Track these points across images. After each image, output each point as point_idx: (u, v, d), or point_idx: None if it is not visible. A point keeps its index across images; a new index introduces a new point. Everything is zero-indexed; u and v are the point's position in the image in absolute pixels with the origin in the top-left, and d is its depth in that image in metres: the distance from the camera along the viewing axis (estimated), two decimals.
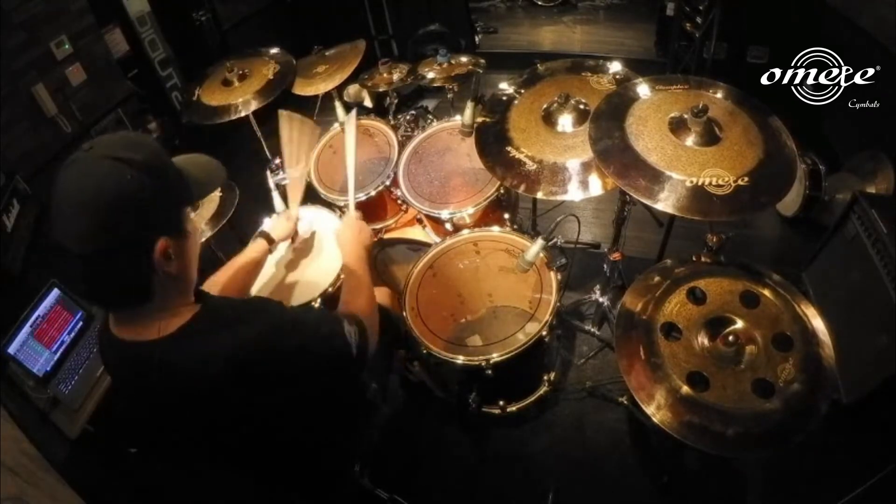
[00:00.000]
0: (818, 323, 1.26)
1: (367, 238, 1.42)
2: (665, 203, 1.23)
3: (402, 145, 2.10)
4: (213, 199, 2.18)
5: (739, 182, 1.22)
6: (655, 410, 1.19)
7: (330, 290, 1.76)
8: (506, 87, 1.78)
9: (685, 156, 1.29)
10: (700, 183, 1.23)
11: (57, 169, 0.76)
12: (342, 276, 1.22)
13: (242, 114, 2.01)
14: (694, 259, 1.47)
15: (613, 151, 1.34)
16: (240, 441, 0.96)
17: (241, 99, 2.02)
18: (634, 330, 1.32)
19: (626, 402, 1.90)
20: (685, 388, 1.20)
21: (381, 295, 1.76)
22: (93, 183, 0.74)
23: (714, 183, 1.23)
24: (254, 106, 2.01)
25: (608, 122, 1.41)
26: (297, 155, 1.71)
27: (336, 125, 2.22)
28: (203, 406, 0.87)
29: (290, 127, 1.70)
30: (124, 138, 0.82)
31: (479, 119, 1.75)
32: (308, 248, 1.95)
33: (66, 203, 0.74)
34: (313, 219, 1.99)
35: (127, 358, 0.86)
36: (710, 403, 1.17)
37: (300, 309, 1.06)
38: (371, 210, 2.14)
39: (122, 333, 0.85)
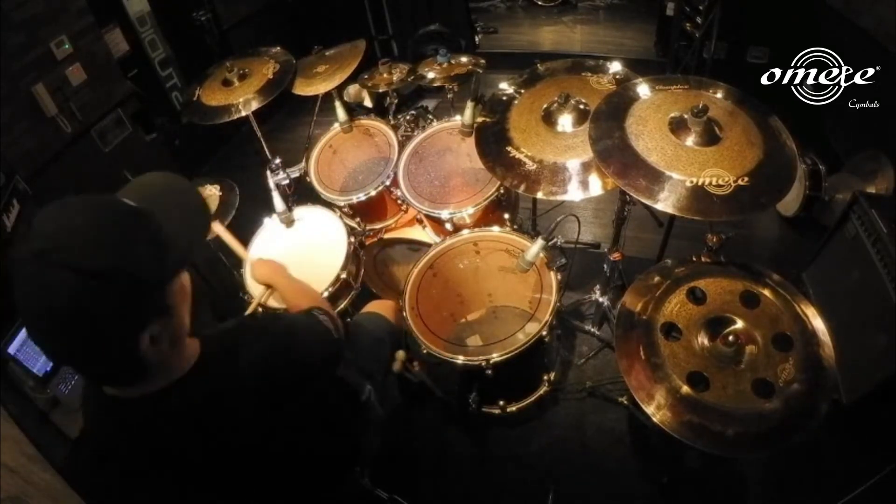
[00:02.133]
0: (818, 323, 1.26)
1: (275, 263, 1.39)
2: (665, 203, 1.23)
3: (402, 145, 2.10)
4: (214, 198, 2.18)
5: (739, 182, 1.22)
6: (655, 410, 1.19)
7: (326, 293, 1.76)
8: (506, 87, 1.78)
9: (685, 156, 1.29)
10: (700, 183, 1.23)
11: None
12: (274, 294, 1.31)
13: (243, 114, 2.01)
14: (694, 259, 1.47)
15: (613, 151, 1.34)
16: (248, 462, 0.94)
17: (241, 99, 2.02)
18: (634, 330, 1.32)
19: (626, 402, 1.90)
20: (685, 388, 1.20)
21: (385, 308, 1.77)
22: (53, 307, 0.63)
23: (714, 183, 1.23)
24: (254, 105, 2.01)
25: (608, 122, 1.41)
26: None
27: (336, 125, 2.22)
28: (225, 436, 0.85)
29: None
30: (84, 229, 0.67)
31: (479, 119, 1.75)
32: (306, 248, 1.95)
33: (29, 319, 0.66)
34: (313, 219, 2.00)
35: (133, 413, 0.80)
36: (710, 403, 1.17)
37: (276, 315, 1.10)
38: (371, 210, 2.14)
39: (124, 393, 0.79)
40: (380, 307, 1.78)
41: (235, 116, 2.01)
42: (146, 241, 0.71)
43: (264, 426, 0.88)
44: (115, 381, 0.78)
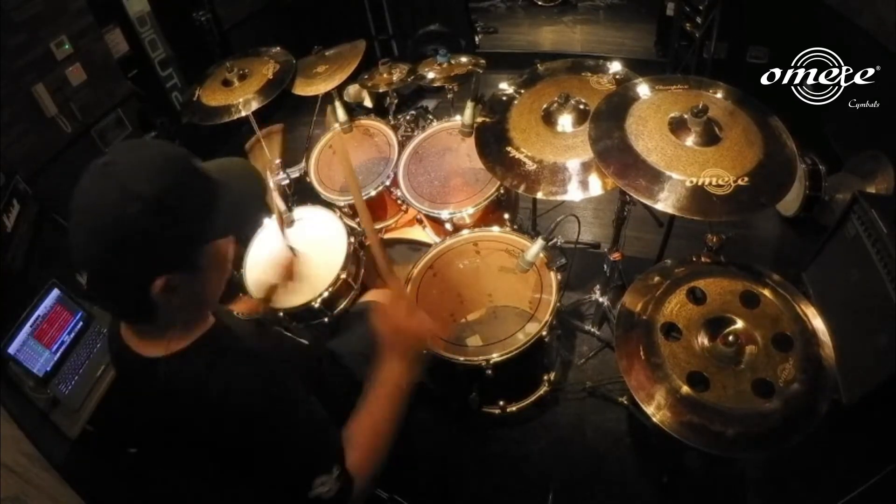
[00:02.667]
0: (818, 323, 1.26)
1: (415, 338, 1.03)
2: (665, 203, 1.23)
3: (402, 145, 2.10)
4: None
5: (739, 182, 1.22)
6: (655, 410, 1.19)
7: (326, 293, 1.76)
8: (506, 87, 1.78)
9: (685, 156, 1.29)
10: (700, 183, 1.23)
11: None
12: (370, 391, 0.96)
13: (243, 114, 2.01)
14: (694, 259, 1.47)
15: (613, 151, 1.34)
16: (229, 463, 0.90)
17: (241, 99, 2.02)
18: (634, 330, 1.32)
19: (626, 402, 1.90)
20: (685, 388, 1.20)
21: (381, 298, 1.76)
22: (96, 209, 0.71)
23: (714, 183, 1.23)
24: (254, 106, 2.01)
25: (608, 122, 1.41)
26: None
27: (336, 125, 2.22)
28: (198, 429, 0.83)
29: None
30: (150, 160, 0.75)
31: (479, 119, 1.75)
32: (306, 248, 1.94)
33: (74, 216, 0.73)
34: (313, 219, 2.00)
35: (132, 367, 0.83)
36: (710, 403, 1.17)
37: (310, 405, 0.88)
38: (371, 210, 2.14)
39: (130, 341, 0.83)
40: (378, 296, 1.76)
41: (235, 116, 2.01)
42: (197, 194, 0.76)
43: (239, 445, 0.81)
44: (119, 309, 0.82)
